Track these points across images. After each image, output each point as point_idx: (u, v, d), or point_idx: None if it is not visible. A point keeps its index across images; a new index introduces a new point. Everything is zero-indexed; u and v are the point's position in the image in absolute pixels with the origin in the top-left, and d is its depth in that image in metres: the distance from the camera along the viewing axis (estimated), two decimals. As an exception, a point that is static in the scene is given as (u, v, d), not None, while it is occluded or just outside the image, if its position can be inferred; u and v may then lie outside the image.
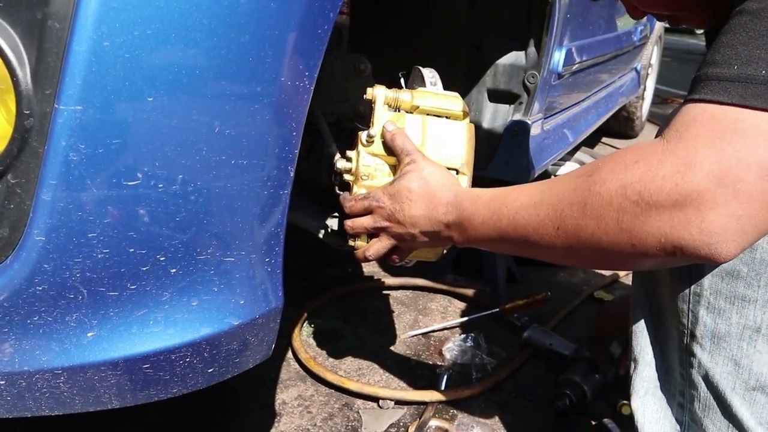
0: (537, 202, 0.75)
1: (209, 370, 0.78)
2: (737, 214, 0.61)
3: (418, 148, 0.97)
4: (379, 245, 0.94)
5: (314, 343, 1.61)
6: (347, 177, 1.01)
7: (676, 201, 0.63)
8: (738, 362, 0.76)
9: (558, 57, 1.66)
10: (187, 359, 0.75)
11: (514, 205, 0.78)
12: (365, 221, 0.94)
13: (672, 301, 0.81)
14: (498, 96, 1.61)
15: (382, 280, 1.90)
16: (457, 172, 0.98)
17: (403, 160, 0.93)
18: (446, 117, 1.03)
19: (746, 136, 0.60)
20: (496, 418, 1.36)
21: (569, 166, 2.41)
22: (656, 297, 0.86)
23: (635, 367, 0.88)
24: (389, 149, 0.97)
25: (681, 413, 0.83)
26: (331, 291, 1.82)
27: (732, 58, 0.62)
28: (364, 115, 1.20)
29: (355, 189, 0.99)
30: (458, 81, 1.60)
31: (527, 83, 1.55)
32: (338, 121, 1.25)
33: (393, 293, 1.88)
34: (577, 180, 0.71)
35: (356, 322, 1.71)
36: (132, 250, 0.67)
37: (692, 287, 0.78)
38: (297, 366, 1.51)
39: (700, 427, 0.80)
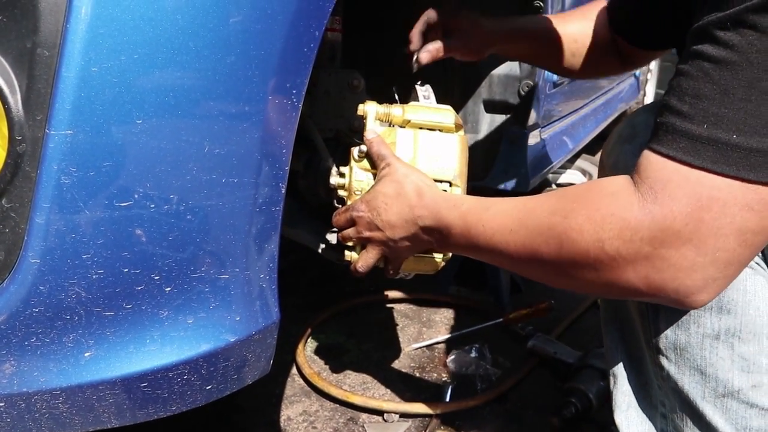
0: (513, 230, 0.75)
1: (207, 387, 0.79)
2: (714, 277, 0.63)
3: (411, 161, 0.98)
4: (367, 256, 0.95)
5: (318, 359, 1.61)
6: (341, 192, 1.02)
7: (654, 264, 0.64)
8: (703, 371, 0.77)
9: (553, 66, 1.66)
10: (185, 377, 0.75)
11: (490, 225, 0.78)
12: (350, 232, 0.95)
13: (638, 315, 0.82)
14: (494, 106, 1.62)
15: (386, 293, 1.90)
16: (450, 184, 0.99)
17: (379, 166, 0.94)
18: (439, 130, 1.04)
19: (723, 205, 0.60)
20: (502, 429, 1.36)
21: (570, 174, 2.42)
22: (624, 312, 0.87)
23: (615, 382, 0.88)
24: (370, 159, 0.97)
25: (665, 423, 0.83)
26: (334, 306, 1.82)
27: (701, 114, 0.61)
28: (359, 131, 1.21)
29: (349, 204, 0.99)
30: (454, 93, 1.61)
31: (522, 93, 1.56)
32: (337, 136, 1.27)
33: (397, 306, 1.88)
34: (552, 218, 0.71)
35: (360, 336, 1.71)
36: (126, 269, 0.68)
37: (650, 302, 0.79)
38: (301, 381, 1.51)
39: None
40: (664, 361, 0.79)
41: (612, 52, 1.19)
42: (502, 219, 0.77)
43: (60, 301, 0.66)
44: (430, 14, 1.14)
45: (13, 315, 0.65)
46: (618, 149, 0.86)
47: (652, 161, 0.65)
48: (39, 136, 0.60)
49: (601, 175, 0.91)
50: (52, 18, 0.58)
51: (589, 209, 0.67)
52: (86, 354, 0.69)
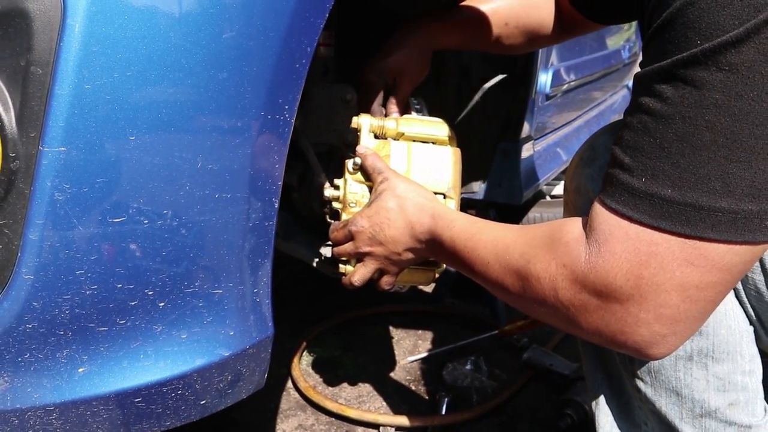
0: (490, 263, 0.77)
1: (202, 402, 0.79)
2: (662, 334, 0.63)
3: (405, 174, 0.98)
4: (364, 270, 0.95)
5: (314, 372, 1.61)
6: (336, 205, 1.02)
7: (602, 317, 0.65)
8: (679, 392, 0.77)
9: (545, 78, 1.68)
10: (179, 392, 0.75)
11: (473, 253, 0.80)
12: (347, 247, 0.95)
13: None
14: (487, 119, 1.63)
15: (381, 306, 1.90)
16: (444, 196, 1.00)
17: (376, 179, 0.95)
18: (432, 143, 1.05)
19: (662, 260, 0.60)
20: (498, 441, 1.36)
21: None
22: None
23: (596, 404, 0.89)
24: (364, 172, 0.98)
25: None
26: (330, 319, 1.82)
27: (640, 168, 0.61)
28: (352, 145, 1.22)
29: (344, 216, 1.00)
30: (447, 105, 1.62)
31: (515, 105, 1.57)
32: (330, 151, 1.27)
33: (392, 319, 1.88)
34: (520, 261, 0.72)
35: (356, 350, 1.71)
36: (120, 285, 0.68)
37: None
38: (297, 395, 1.51)
39: None
40: (640, 384, 0.80)
41: (553, 24, 1.19)
42: (482, 251, 0.79)
43: (53, 317, 0.66)
44: (374, 89, 1.15)
45: (7, 331, 0.65)
46: (579, 173, 0.86)
47: (598, 213, 0.65)
48: (32, 153, 0.61)
49: (565, 198, 0.92)
50: (45, 36, 0.58)
51: (548, 258, 0.69)
52: (80, 369, 0.69)
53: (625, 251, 0.62)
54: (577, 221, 0.69)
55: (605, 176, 0.66)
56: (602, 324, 0.65)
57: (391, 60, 1.12)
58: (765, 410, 0.80)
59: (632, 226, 0.61)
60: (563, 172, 2.11)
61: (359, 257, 0.95)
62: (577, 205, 0.86)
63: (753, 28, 0.53)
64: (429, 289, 1.96)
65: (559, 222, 0.72)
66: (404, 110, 1.19)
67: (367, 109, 1.16)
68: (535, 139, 1.77)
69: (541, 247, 0.70)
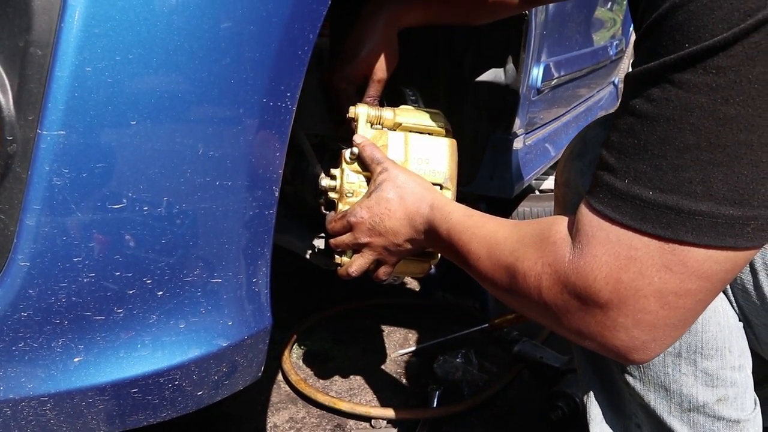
0: (481, 258, 0.77)
1: (198, 393, 0.77)
2: (642, 339, 0.63)
3: (402, 164, 0.98)
4: (362, 261, 0.95)
5: (304, 365, 1.60)
6: (332, 195, 1.01)
7: (583, 318, 0.65)
8: (667, 387, 0.78)
9: (536, 73, 1.68)
10: (176, 382, 0.74)
11: (467, 247, 0.80)
12: (346, 238, 0.94)
13: None
14: (479, 112, 1.63)
15: (371, 299, 1.90)
16: (441, 187, 1.00)
17: (375, 170, 0.94)
18: (429, 133, 1.04)
19: (641, 265, 0.60)
20: (489, 434, 1.36)
21: (553, 181, 2.44)
22: None
23: (588, 396, 0.89)
24: (361, 162, 0.97)
25: None
26: (320, 312, 1.81)
27: (623, 169, 0.60)
28: (345, 137, 1.21)
29: (340, 207, 0.99)
30: (439, 98, 1.62)
31: (507, 99, 1.57)
32: (322, 142, 1.26)
33: (382, 312, 1.88)
34: (510, 257, 0.72)
35: (346, 343, 1.70)
36: (118, 273, 0.66)
37: None
38: (287, 388, 1.50)
39: None
40: (629, 378, 0.80)
41: None
42: (475, 245, 0.79)
43: (49, 306, 0.65)
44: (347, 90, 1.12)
45: (1, 319, 0.64)
46: (569, 166, 0.86)
47: (583, 213, 0.64)
48: (30, 136, 0.59)
49: (555, 192, 0.92)
50: (45, 16, 0.57)
51: (535, 256, 0.69)
52: (75, 359, 0.68)
53: (605, 254, 0.61)
54: (564, 222, 0.69)
55: (592, 177, 0.65)
56: (583, 326, 0.65)
57: (356, 63, 1.08)
58: (755, 403, 0.81)
59: (613, 228, 0.61)
60: (552, 166, 2.12)
61: (357, 248, 0.94)
62: (566, 200, 0.86)
63: (741, 33, 0.53)
64: (416, 284, 1.96)
65: (551, 220, 0.72)
66: (398, 101, 1.18)
67: (342, 118, 1.12)
68: (526, 134, 1.77)
69: (530, 245, 0.70)
